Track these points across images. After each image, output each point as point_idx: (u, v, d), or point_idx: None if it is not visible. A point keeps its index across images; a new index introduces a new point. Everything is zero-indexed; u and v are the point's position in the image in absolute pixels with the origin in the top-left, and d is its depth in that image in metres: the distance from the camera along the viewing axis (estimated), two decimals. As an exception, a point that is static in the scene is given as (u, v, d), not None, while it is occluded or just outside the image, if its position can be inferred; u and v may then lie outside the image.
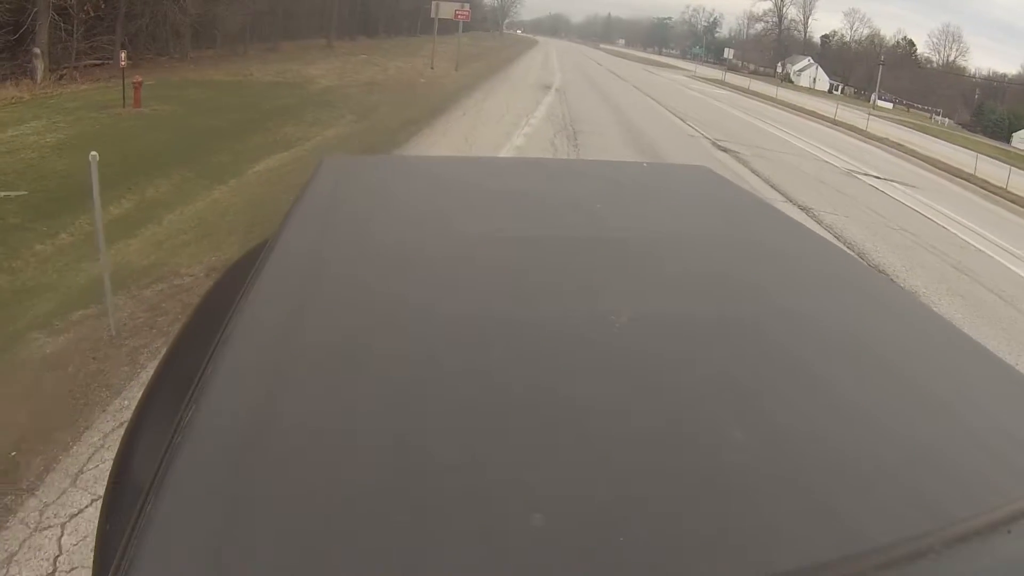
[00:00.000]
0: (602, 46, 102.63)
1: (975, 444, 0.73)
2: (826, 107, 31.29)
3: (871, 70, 58.10)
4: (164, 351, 1.19)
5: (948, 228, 9.85)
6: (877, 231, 8.52)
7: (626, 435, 0.67)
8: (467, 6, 22.67)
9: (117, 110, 10.40)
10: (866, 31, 69.61)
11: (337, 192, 1.32)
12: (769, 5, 77.52)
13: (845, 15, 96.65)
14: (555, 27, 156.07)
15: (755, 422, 0.70)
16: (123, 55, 11.06)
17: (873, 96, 55.80)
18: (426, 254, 1.03)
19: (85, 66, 13.82)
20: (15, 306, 4.32)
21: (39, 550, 2.27)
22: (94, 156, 3.36)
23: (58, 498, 2.48)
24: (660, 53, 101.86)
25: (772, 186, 10.08)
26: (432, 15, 21.89)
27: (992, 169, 18.26)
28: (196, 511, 0.54)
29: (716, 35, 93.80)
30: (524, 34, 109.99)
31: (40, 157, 7.86)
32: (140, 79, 10.72)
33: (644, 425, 0.68)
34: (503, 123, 11.98)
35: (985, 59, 73.39)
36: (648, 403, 0.72)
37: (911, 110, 53.75)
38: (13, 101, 11.08)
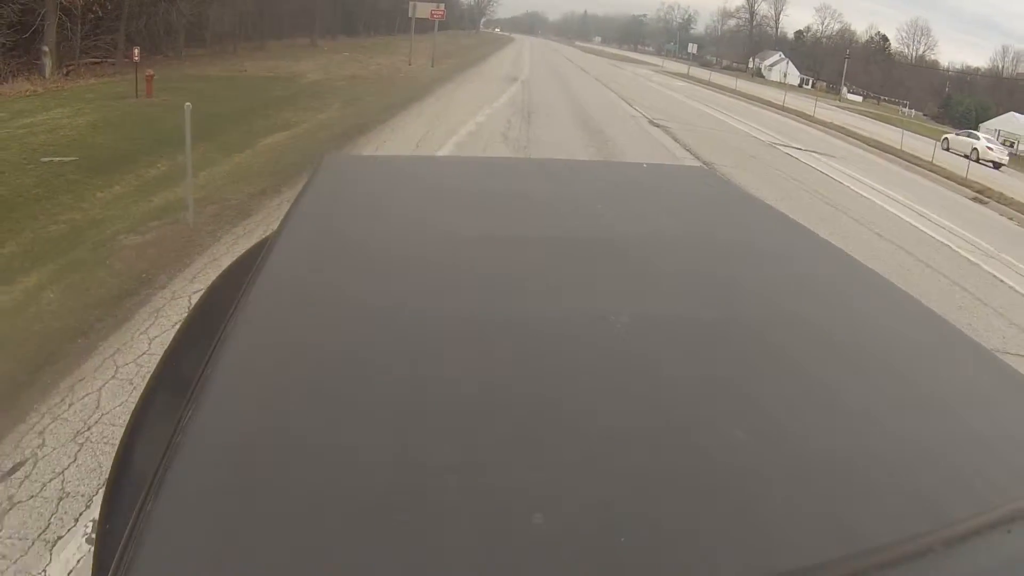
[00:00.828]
0: (577, 43, 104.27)
1: (975, 444, 0.74)
2: (780, 97, 32.71)
3: (842, 64, 59.44)
4: (164, 351, 1.23)
5: (842, 182, 11.61)
6: (768, 179, 10.31)
7: (627, 435, 0.68)
8: (442, 6, 24.24)
9: (131, 100, 11.76)
10: (837, 26, 72.13)
11: (337, 191, 1.34)
12: (741, 1, 79.91)
13: (816, 11, 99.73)
14: (532, 25, 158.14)
15: (755, 422, 0.71)
16: (135, 51, 12.48)
17: (843, 89, 57.95)
18: (426, 254, 1.04)
19: (87, 63, 15.12)
20: (95, 228, 5.93)
21: (176, 308, 4.03)
22: (188, 106, 5.02)
23: (184, 286, 4.23)
24: (635, 50, 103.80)
25: (688, 150, 11.97)
26: (409, 15, 23.56)
27: (932, 150, 19.62)
28: (196, 511, 0.55)
29: (691, 32, 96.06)
30: (501, 32, 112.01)
31: (79, 135, 9.35)
32: (152, 72, 12.15)
33: (644, 425, 0.69)
34: (469, 106, 13.84)
35: (960, 53, 75.22)
36: (648, 403, 0.73)
37: (881, 103, 54.85)
38: (28, 94, 12.37)
